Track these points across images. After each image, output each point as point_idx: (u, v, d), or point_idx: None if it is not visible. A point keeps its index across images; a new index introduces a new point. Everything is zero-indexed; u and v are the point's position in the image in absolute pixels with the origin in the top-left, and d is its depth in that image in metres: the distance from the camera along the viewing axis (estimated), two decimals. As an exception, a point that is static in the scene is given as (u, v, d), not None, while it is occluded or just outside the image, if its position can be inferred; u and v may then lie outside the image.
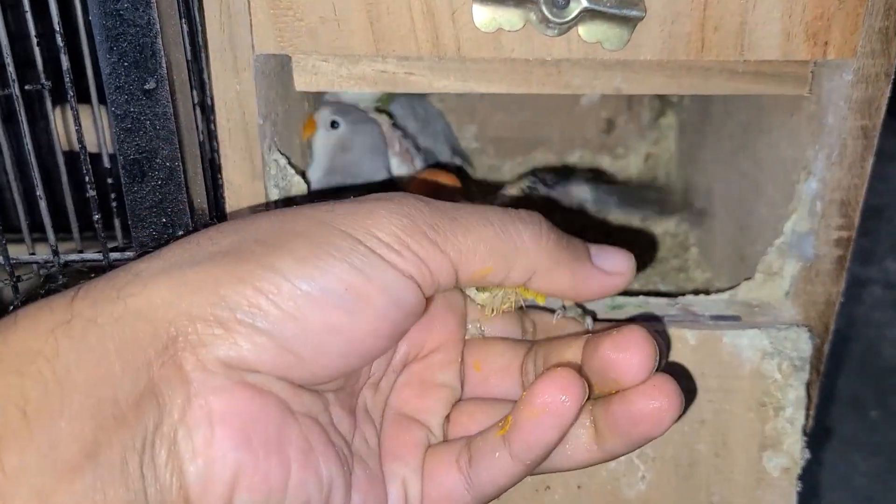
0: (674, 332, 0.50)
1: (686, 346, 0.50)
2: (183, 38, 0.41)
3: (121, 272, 0.31)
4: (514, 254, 0.36)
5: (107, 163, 0.47)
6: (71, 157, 0.47)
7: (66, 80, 0.38)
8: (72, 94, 0.38)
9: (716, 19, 0.44)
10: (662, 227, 0.84)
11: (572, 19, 0.43)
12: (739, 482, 0.50)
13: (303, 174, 0.55)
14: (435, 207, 0.35)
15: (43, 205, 0.41)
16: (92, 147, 0.46)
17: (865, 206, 0.49)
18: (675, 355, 0.50)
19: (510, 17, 0.44)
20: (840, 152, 0.47)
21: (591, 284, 0.38)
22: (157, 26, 0.37)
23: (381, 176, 0.67)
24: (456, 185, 0.64)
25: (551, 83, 0.48)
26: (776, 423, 0.49)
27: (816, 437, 0.54)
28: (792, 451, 0.49)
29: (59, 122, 0.49)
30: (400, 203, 0.34)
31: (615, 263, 0.39)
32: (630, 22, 0.44)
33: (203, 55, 0.45)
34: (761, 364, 0.49)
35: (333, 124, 0.66)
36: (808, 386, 0.49)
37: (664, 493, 0.50)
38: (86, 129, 0.42)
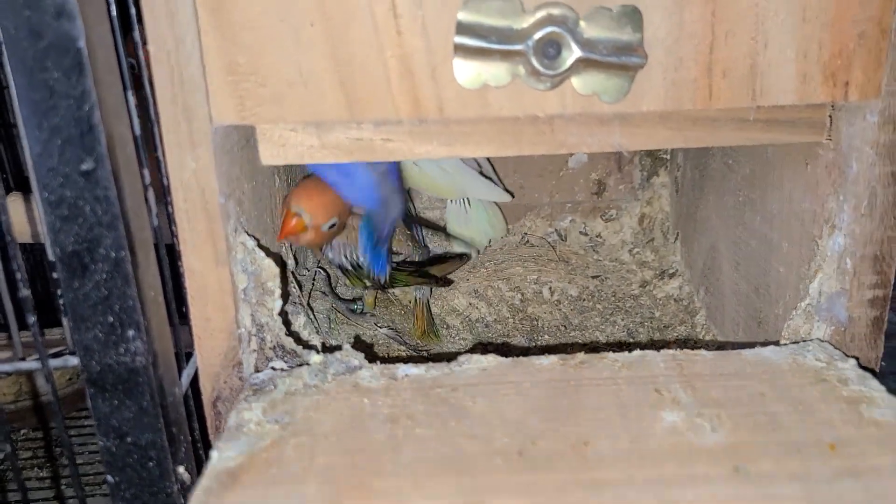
0: (686, 352, 0.45)
1: (703, 358, 0.45)
2: (129, 111, 0.36)
3: None
4: None
5: (51, 255, 0.42)
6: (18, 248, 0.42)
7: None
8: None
9: (724, 63, 0.40)
10: (664, 291, 0.79)
11: (565, 70, 0.39)
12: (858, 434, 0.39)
13: (277, 256, 0.49)
14: None
15: (-33, 308, 0.35)
16: (35, 238, 0.41)
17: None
18: (693, 368, 0.44)
19: (496, 72, 0.39)
20: (869, 202, 0.43)
21: None
22: (94, 97, 0.32)
23: None
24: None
25: (544, 143, 0.44)
26: (850, 388, 0.41)
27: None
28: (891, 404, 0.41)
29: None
30: None
31: None
32: (629, 70, 0.39)
33: (157, 129, 0.40)
34: (795, 361, 0.44)
35: None
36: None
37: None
38: (23, 218, 0.37)
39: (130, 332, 0.36)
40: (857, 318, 0.45)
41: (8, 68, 0.32)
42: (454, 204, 0.84)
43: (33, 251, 1.06)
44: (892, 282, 0.44)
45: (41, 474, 1.03)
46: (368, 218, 0.67)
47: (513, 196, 0.86)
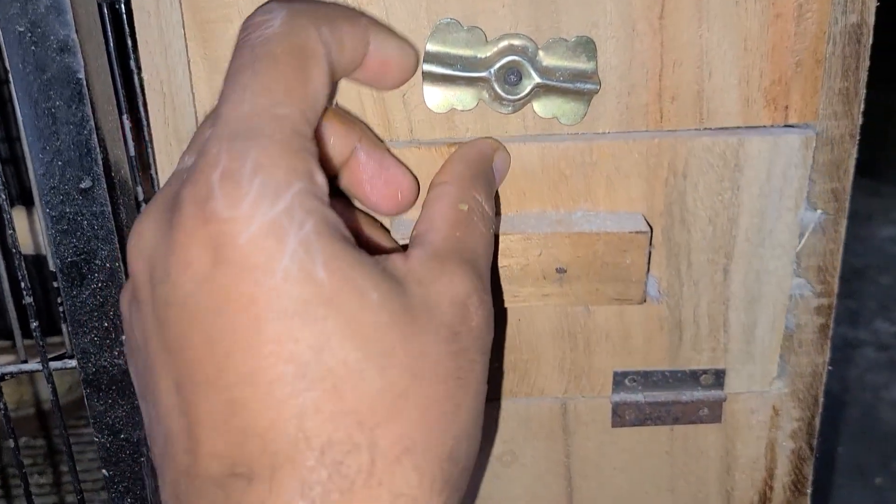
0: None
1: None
2: (124, 134, 0.40)
3: None
4: None
5: (52, 266, 0.45)
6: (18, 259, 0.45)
7: (-2, 182, 0.36)
8: (4, 196, 0.37)
9: (672, 89, 0.43)
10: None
11: (526, 95, 0.42)
12: None
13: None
14: None
15: (-24, 315, 0.38)
16: (36, 249, 0.44)
17: (849, 267, 0.48)
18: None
19: (462, 97, 0.43)
20: (812, 217, 0.46)
21: None
22: (92, 123, 0.36)
23: None
24: None
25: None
26: None
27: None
28: None
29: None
30: None
31: None
32: (585, 96, 0.43)
33: (150, 150, 0.43)
34: None
35: None
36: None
37: None
38: (27, 231, 0.41)
39: (123, 337, 0.39)
40: (804, 325, 0.48)
41: (14, 94, 0.35)
42: None
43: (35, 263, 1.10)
44: (836, 291, 0.47)
45: (41, 481, 1.06)
46: None
47: None
